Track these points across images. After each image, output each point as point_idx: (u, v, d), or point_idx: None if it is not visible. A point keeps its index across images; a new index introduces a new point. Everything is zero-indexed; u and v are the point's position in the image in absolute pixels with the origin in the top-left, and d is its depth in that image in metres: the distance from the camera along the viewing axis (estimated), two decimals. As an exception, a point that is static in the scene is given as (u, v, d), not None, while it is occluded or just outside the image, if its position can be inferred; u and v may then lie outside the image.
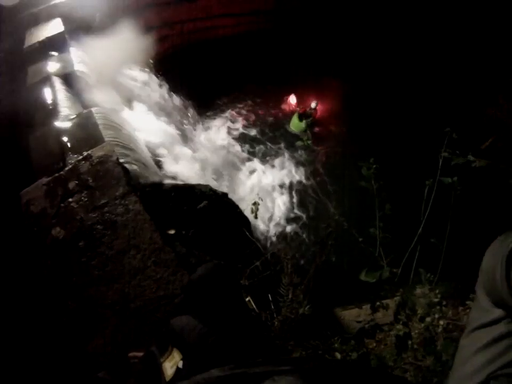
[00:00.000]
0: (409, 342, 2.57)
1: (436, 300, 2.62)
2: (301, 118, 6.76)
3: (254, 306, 2.94)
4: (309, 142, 2.92)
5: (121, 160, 3.08)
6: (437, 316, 2.57)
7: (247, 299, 3.08)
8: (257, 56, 7.00)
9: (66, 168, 2.92)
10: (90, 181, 2.79)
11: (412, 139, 5.02)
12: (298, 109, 6.87)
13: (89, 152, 3.00)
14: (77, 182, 2.80)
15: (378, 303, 3.46)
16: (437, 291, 2.63)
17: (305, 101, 7.04)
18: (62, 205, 2.70)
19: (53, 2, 5.41)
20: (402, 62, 6.43)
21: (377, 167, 2.90)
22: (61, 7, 5.41)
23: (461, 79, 5.78)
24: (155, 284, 2.26)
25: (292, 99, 7.14)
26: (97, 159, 2.92)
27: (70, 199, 2.71)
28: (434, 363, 2.29)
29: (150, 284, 2.26)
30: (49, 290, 2.33)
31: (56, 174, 2.91)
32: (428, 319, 2.57)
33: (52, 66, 4.45)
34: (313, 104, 6.88)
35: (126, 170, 2.91)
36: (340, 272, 3.16)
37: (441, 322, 2.54)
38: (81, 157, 2.98)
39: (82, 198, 2.69)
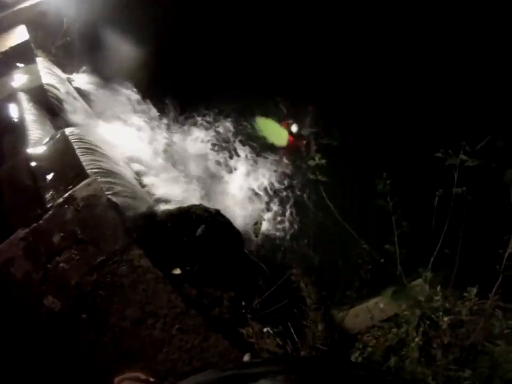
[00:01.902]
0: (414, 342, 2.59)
1: (437, 297, 2.64)
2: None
3: (277, 339, 2.78)
4: (323, 161, 2.67)
5: (108, 193, 2.66)
6: (441, 313, 2.59)
7: (265, 330, 2.91)
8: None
9: (46, 216, 2.45)
10: (79, 232, 2.36)
11: (415, 148, 4.93)
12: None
13: (71, 192, 2.53)
14: (62, 234, 2.36)
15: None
16: (438, 289, 2.65)
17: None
18: (49, 265, 2.27)
19: (16, 8, 4.70)
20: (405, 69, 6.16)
21: (391, 183, 2.77)
22: (26, 13, 4.73)
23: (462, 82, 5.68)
24: (187, 355, 1.98)
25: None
26: (83, 202, 2.47)
27: (58, 258, 2.29)
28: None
29: (181, 355, 1.98)
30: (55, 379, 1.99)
31: (35, 224, 2.44)
32: (433, 316, 2.59)
33: (18, 80, 3.91)
34: (294, 128, 6.10)
35: (119, 212, 2.50)
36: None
37: (445, 319, 2.56)
38: (62, 200, 2.51)
39: (73, 256, 2.27)
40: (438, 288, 2.67)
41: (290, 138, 6.09)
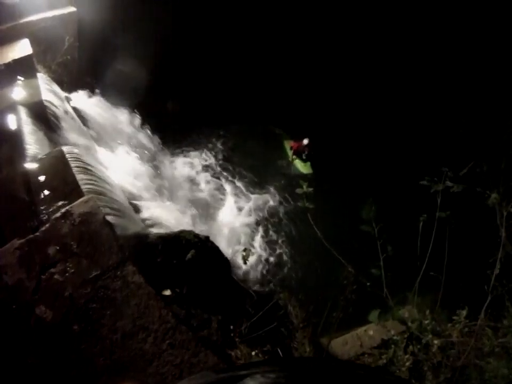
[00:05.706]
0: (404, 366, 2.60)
1: (427, 321, 2.68)
2: (300, 156, 6.95)
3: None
4: (310, 189, 2.79)
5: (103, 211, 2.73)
6: (430, 335, 2.61)
7: (253, 353, 2.91)
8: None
9: (43, 228, 2.50)
10: (75, 246, 2.41)
11: (400, 174, 5.15)
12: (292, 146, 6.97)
13: (68, 208, 2.59)
14: (58, 247, 2.41)
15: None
16: (427, 312, 2.70)
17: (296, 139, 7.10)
18: (43, 276, 2.30)
19: (22, 21, 4.82)
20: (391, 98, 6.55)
21: (376, 208, 2.86)
22: (30, 27, 4.83)
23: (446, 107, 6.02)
24: (176, 369, 2.00)
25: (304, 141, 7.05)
26: (80, 218, 2.53)
27: (53, 269, 2.32)
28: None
29: (171, 369, 2.00)
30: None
31: (31, 236, 2.48)
32: (423, 340, 2.61)
33: (18, 93, 3.97)
34: (305, 141, 6.88)
35: (114, 230, 2.57)
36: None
37: (435, 341, 2.58)
38: (59, 214, 2.56)
39: (68, 268, 2.31)
40: (427, 312, 2.72)
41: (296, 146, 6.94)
